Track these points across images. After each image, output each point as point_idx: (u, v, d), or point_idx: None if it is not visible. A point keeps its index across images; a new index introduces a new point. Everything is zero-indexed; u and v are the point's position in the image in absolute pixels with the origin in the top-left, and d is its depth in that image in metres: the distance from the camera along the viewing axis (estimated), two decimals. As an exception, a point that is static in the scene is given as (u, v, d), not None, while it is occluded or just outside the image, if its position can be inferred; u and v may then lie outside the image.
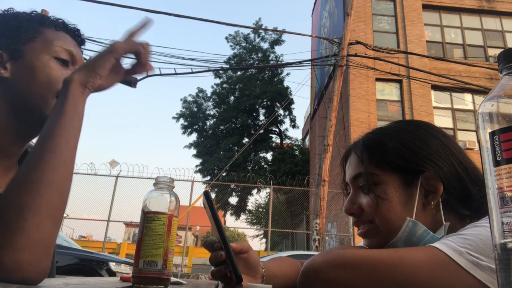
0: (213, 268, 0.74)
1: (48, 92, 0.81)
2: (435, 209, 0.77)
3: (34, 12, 0.88)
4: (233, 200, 21.87)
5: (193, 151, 21.83)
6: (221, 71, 21.51)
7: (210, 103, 22.94)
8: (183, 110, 22.42)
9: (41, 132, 0.66)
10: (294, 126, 23.08)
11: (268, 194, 17.69)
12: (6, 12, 0.86)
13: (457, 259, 0.59)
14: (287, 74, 22.96)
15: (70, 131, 0.67)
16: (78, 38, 0.93)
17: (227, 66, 20.41)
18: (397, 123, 0.87)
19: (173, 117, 22.34)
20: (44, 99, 0.81)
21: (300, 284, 0.71)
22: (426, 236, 0.73)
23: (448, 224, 0.74)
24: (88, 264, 5.94)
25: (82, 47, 0.95)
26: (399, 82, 12.39)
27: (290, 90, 22.00)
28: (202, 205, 0.75)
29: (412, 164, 0.78)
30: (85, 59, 0.91)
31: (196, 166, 21.20)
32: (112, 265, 5.96)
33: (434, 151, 0.79)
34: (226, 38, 22.95)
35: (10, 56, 0.81)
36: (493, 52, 12.99)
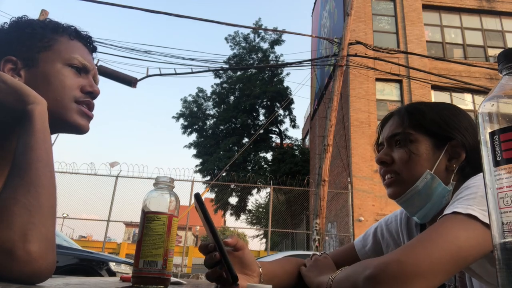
0: (208, 270, 0.74)
1: (64, 97, 0.83)
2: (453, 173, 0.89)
3: (48, 20, 0.89)
4: (233, 200, 21.88)
5: (193, 151, 21.82)
6: (221, 71, 21.49)
7: (210, 103, 22.92)
8: (183, 110, 22.38)
9: (21, 144, 0.67)
10: (294, 126, 23.05)
11: (268, 194, 17.69)
12: (20, 19, 0.87)
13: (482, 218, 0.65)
14: (287, 74, 22.94)
15: (47, 144, 0.70)
16: (90, 45, 0.94)
17: (227, 66, 20.39)
18: (437, 102, 1.02)
19: (173, 117, 22.33)
20: (60, 103, 0.82)
21: None
22: (439, 189, 0.87)
23: (454, 183, 0.88)
24: (88, 264, 5.93)
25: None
26: (399, 82, 12.39)
27: (290, 90, 21.99)
28: (195, 208, 0.75)
29: (444, 131, 0.91)
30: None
31: (196, 166, 21.17)
32: (112, 265, 5.96)
33: (463, 126, 0.91)
34: (226, 38, 22.91)
35: (25, 64, 0.82)
36: (493, 52, 12.98)
